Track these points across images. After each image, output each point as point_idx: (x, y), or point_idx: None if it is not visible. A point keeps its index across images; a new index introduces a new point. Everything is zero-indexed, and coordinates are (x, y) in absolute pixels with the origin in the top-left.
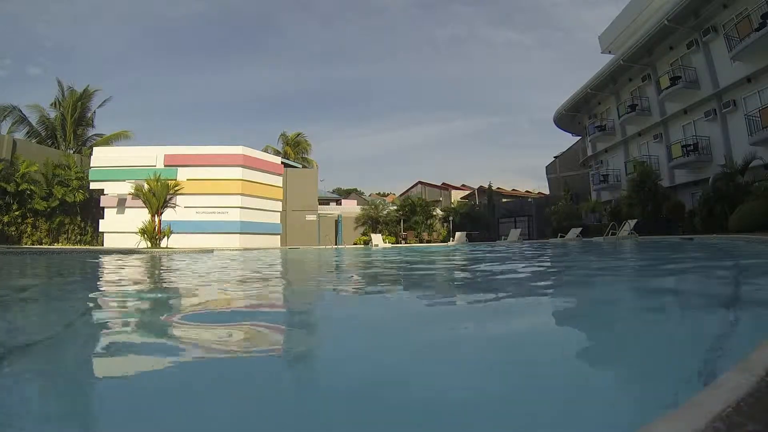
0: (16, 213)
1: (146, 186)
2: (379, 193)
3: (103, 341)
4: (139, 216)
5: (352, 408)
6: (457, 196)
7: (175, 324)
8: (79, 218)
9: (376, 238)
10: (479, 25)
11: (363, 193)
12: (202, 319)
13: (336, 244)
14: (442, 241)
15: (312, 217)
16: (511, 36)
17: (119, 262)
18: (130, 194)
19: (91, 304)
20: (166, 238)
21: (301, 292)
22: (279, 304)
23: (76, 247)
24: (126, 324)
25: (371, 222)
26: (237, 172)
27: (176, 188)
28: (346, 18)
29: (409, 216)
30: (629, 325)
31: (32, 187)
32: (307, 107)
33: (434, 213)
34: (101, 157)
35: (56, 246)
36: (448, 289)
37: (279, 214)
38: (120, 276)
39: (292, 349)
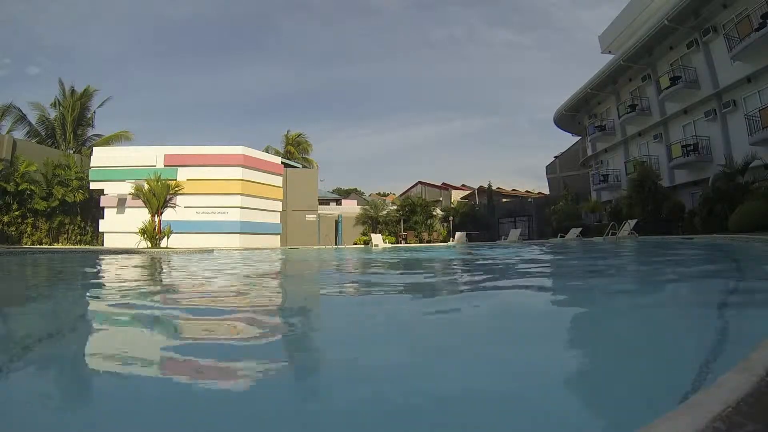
0: (16, 213)
1: (146, 186)
2: (379, 193)
3: (101, 344)
4: (139, 216)
5: None
6: (457, 196)
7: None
8: (79, 218)
9: (376, 238)
10: (478, 25)
11: (363, 193)
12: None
13: (336, 244)
14: (442, 241)
15: (312, 217)
16: (510, 36)
17: (120, 263)
18: (130, 194)
19: (90, 304)
20: (166, 238)
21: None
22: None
23: (76, 247)
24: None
25: (371, 222)
26: (237, 172)
27: (176, 188)
28: (346, 18)
29: (409, 216)
30: None
31: (32, 187)
32: (307, 107)
33: (434, 213)
34: (101, 157)
35: (56, 246)
36: None
37: (279, 214)
38: (130, 278)
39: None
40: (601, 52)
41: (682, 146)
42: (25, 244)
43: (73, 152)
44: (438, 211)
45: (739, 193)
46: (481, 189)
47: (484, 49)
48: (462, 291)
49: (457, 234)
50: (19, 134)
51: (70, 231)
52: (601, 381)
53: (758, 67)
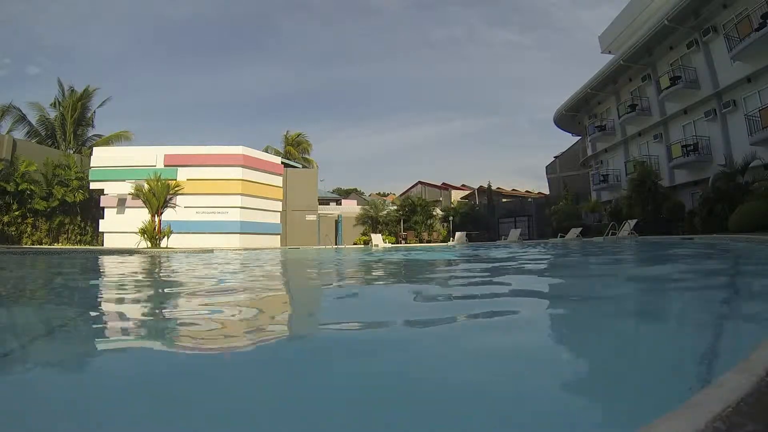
0: (16, 213)
1: (146, 186)
2: (379, 193)
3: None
4: (139, 216)
5: None
6: (457, 196)
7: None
8: (79, 218)
9: (376, 238)
10: (478, 25)
11: (363, 193)
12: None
13: (336, 244)
14: (442, 241)
15: (312, 217)
16: (510, 36)
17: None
18: (130, 194)
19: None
20: (166, 238)
21: None
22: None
23: (76, 247)
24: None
25: (371, 222)
26: (237, 172)
27: (176, 188)
28: (346, 18)
29: (409, 216)
30: None
31: (32, 187)
32: (307, 107)
33: (434, 213)
34: (101, 157)
35: (56, 246)
36: None
37: (279, 214)
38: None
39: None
40: (601, 52)
41: (682, 146)
42: (25, 244)
43: (73, 152)
44: (438, 211)
45: (739, 193)
46: (481, 189)
47: (484, 49)
48: None
49: (457, 234)
50: (19, 134)
51: (70, 231)
52: None
53: (758, 67)
